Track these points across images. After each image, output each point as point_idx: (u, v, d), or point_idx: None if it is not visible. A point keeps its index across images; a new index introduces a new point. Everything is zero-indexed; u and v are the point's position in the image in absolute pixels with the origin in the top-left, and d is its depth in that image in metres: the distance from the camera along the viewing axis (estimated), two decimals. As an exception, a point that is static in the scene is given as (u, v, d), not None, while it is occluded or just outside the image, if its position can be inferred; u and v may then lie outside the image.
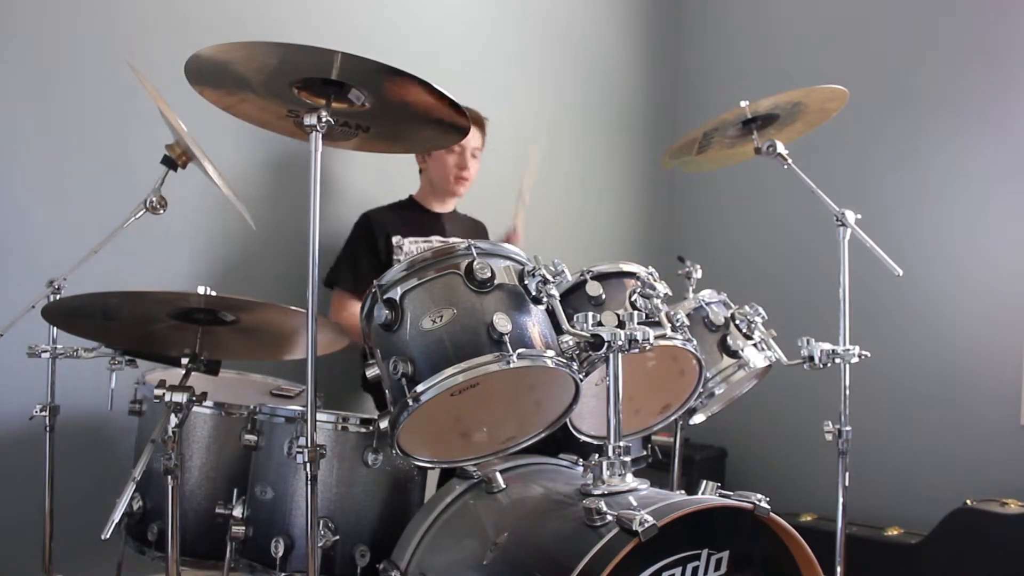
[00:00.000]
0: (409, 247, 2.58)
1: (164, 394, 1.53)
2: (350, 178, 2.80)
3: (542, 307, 1.52)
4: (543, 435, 1.65)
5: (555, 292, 1.50)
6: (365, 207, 2.67)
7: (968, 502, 2.69)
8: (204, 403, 1.61)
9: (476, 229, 2.81)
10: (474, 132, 2.62)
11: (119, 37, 2.35)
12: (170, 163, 1.77)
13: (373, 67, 1.44)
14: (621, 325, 1.48)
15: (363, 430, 1.70)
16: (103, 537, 1.43)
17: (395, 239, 2.58)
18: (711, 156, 2.24)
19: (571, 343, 1.48)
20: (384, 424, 1.55)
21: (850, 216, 1.97)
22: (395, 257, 2.55)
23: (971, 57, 3.08)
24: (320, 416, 1.66)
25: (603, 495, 1.43)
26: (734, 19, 3.86)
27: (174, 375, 1.65)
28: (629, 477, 1.48)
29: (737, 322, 1.95)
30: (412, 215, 2.68)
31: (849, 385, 1.99)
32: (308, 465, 1.42)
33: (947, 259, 3.09)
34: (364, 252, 2.57)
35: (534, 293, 1.50)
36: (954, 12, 3.13)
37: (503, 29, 3.35)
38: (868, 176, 3.29)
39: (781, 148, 2.03)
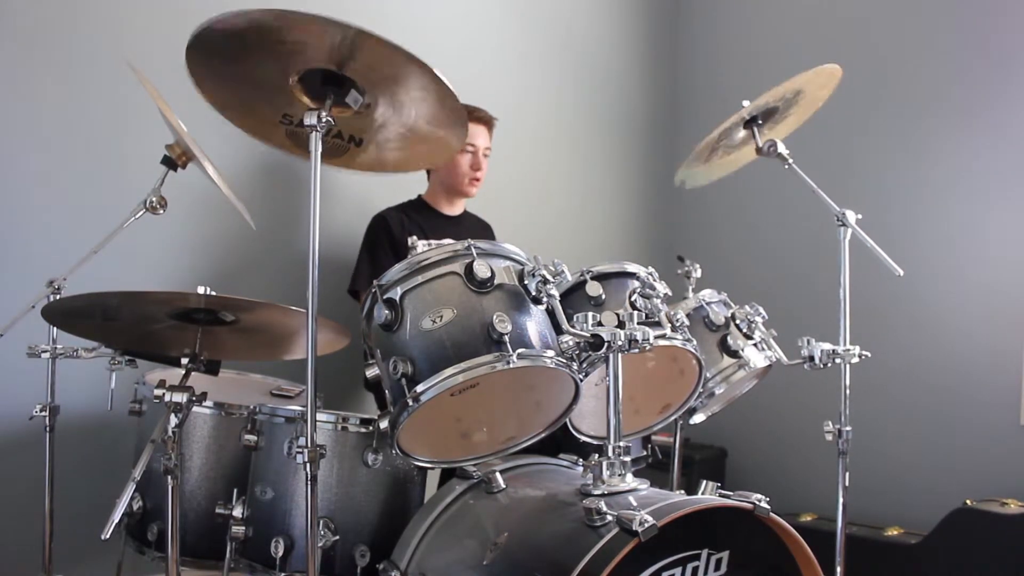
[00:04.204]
0: (423, 249, 2.57)
1: (164, 394, 1.52)
2: (350, 179, 2.80)
3: (542, 307, 1.52)
4: (543, 435, 1.65)
5: (555, 292, 1.50)
6: (365, 207, 2.67)
7: (968, 502, 2.69)
8: (204, 403, 1.61)
9: (484, 230, 2.81)
10: (484, 133, 2.63)
11: (119, 37, 2.35)
12: (170, 163, 1.77)
13: (380, 49, 1.42)
14: (621, 325, 1.48)
15: (363, 430, 1.70)
16: (103, 537, 1.43)
17: (410, 240, 2.57)
18: (714, 165, 2.23)
19: (571, 343, 1.48)
20: (384, 424, 1.56)
21: (850, 216, 1.97)
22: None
23: (971, 57, 3.08)
24: (320, 416, 1.66)
25: (603, 495, 1.43)
26: (734, 21, 3.87)
27: (174, 375, 1.65)
28: (629, 477, 1.48)
29: (737, 322, 1.95)
30: (425, 216, 2.67)
31: (849, 385, 1.99)
32: (308, 465, 1.42)
33: (947, 259, 3.09)
34: (385, 253, 2.55)
35: (534, 293, 1.50)
36: (954, 12, 3.13)
37: (505, 33, 3.36)
38: (868, 176, 3.29)
39: (782, 148, 2.03)
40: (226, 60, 1.48)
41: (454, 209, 2.74)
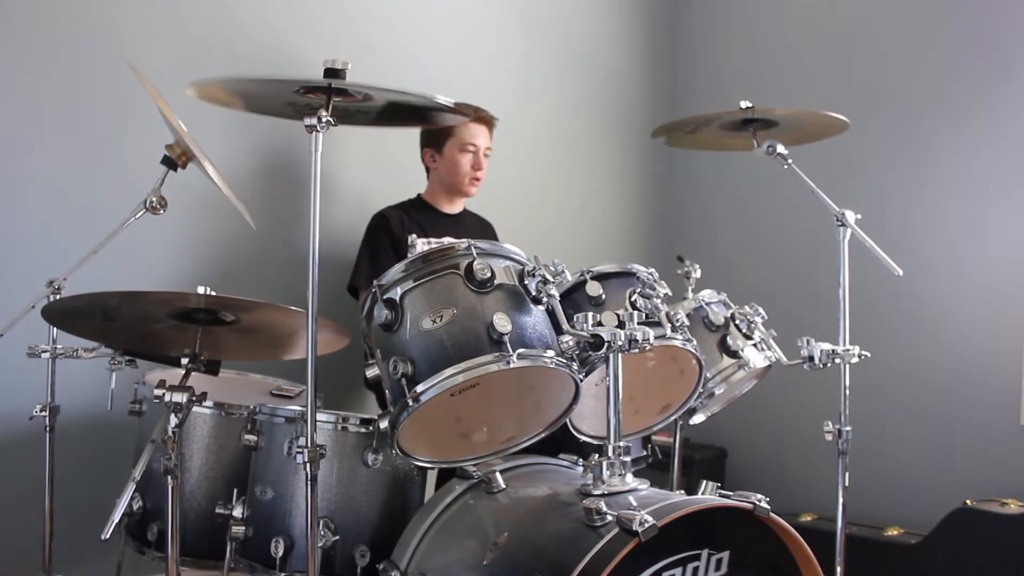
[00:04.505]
0: (422, 248, 2.57)
1: (164, 394, 1.52)
2: (349, 178, 2.80)
3: (542, 307, 1.52)
4: (543, 435, 1.65)
5: (555, 292, 1.50)
6: (364, 207, 2.67)
7: (968, 502, 2.69)
8: (204, 403, 1.61)
9: (485, 229, 2.80)
10: (485, 132, 2.63)
11: (119, 37, 2.35)
12: (170, 163, 1.77)
13: (376, 91, 1.45)
14: (621, 325, 1.48)
15: (363, 430, 1.71)
16: (103, 537, 1.43)
17: (411, 238, 2.57)
18: (702, 137, 2.25)
19: (571, 343, 1.48)
20: (384, 424, 1.56)
21: (850, 216, 1.97)
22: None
23: (971, 57, 3.08)
24: (320, 416, 1.66)
25: (603, 495, 1.43)
26: (734, 21, 3.86)
27: (174, 375, 1.65)
28: (629, 477, 1.48)
29: (737, 322, 1.95)
30: (425, 215, 2.67)
31: (849, 385, 1.99)
32: (308, 465, 1.42)
33: (947, 259, 3.09)
34: (385, 251, 2.55)
35: (534, 293, 1.50)
36: (954, 12, 3.13)
37: (505, 32, 3.35)
38: (868, 176, 3.29)
39: (781, 148, 2.04)
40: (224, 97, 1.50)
41: (454, 208, 2.74)
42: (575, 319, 1.50)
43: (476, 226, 2.78)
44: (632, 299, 1.68)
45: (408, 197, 2.73)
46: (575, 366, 1.52)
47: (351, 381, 2.70)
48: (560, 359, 1.49)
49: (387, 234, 2.57)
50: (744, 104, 2.02)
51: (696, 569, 1.37)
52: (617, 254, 2.22)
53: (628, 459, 1.49)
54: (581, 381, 1.54)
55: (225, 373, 1.94)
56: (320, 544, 1.61)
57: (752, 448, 3.53)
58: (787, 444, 3.42)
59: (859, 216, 1.98)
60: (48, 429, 1.86)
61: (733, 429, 3.39)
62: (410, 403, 1.43)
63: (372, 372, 1.57)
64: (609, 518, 1.32)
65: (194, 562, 1.83)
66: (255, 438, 1.76)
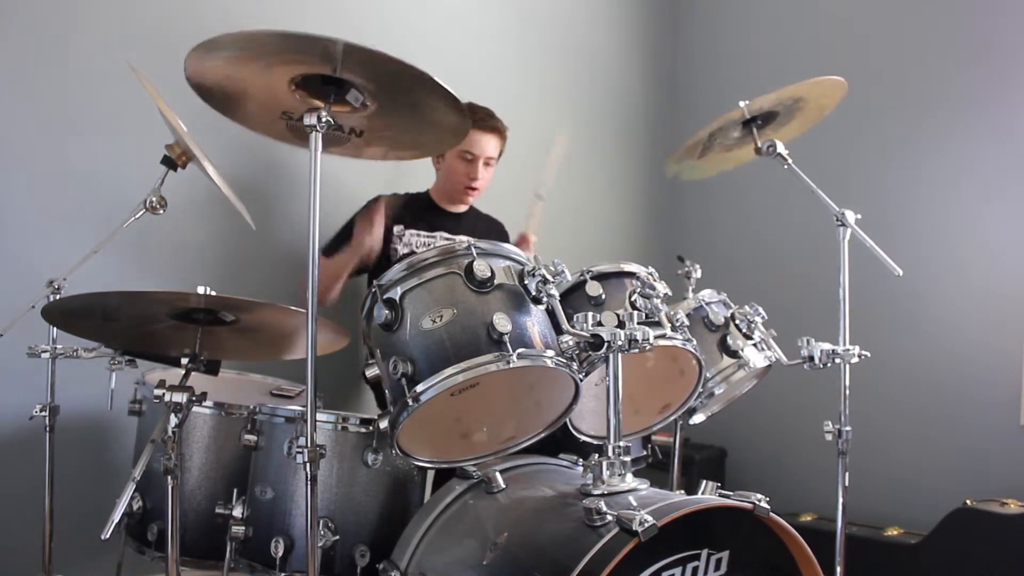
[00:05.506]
0: (410, 239, 2.56)
1: (164, 394, 1.52)
2: (350, 179, 2.80)
3: (542, 307, 1.52)
4: (543, 435, 1.65)
5: (555, 292, 1.50)
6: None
7: (968, 502, 2.69)
8: (204, 403, 1.61)
9: (492, 227, 2.76)
10: (491, 140, 2.53)
11: (119, 37, 2.35)
12: (170, 163, 1.77)
13: (374, 57, 1.44)
14: (621, 325, 1.48)
15: (363, 430, 1.71)
16: (103, 537, 1.43)
17: (396, 228, 2.56)
18: (711, 160, 2.23)
19: (571, 343, 1.48)
20: (384, 424, 1.56)
21: (850, 216, 1.97)
22: (392, 246, 2.54)
23: (971, 57, 3.08)
24: (320, 416, 1.66)
25: (603, 495, 1.43)
26: (733, 21, 3.87)
27: (174, 375, 1.65)
28: (629, 477, 1.48)
29: (737, 322, 1.95)
30: (423, 209, 2.65)
31: (849, 385, 1.99)
32: (308, 465, 1.42)
33: (947, 259, 3.09)
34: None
35: (534, 293, 1.50)
36: (954, 12, 3.13)
37: (504, 32, 3.36)
38: (868, 176, 3.29)
39: (781, 148, 2.03)
40: (221, 78, 1.49)
41: (456, 207, 2.72)
42: (575, 319, 1.50)
43: (481, 225, 2.74)
44: (632, 299, 1.68)
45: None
46: (575, 366, 1.52)
47: (351, 381, 2.70)
48: (560, 359, 1.49)
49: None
50: (743, 103, 2.02)
51: (696, 569, 1.37)
52: (617, 254, 2.21)
53: (628, 459, 1.49)
54: (581, 381, 1.54)
55: (225, 373, 1.94)
56: (320, 544, 1.61)
57: (752, 448, 3.53)
58: (787, 444, 3.43)
59: (859, 216, 1.98)
60: (48, 429, 1.86)
61: (733, 429, 3.39)
62: (410, 403, 1.43)
63: (372, 372, 1.57)
64: (609, 518, 1.32)
65: (194, 562, 1.83)
66: (255, 438, 1.76)
